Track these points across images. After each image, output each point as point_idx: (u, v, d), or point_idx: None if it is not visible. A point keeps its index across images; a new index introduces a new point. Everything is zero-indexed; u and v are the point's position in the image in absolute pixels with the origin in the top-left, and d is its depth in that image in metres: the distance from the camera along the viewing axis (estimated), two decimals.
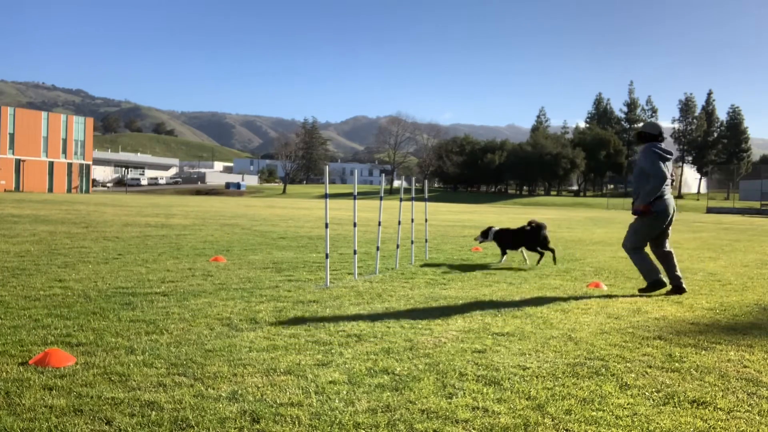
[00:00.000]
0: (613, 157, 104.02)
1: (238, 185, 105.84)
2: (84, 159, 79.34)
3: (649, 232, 7.13)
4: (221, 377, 3.58)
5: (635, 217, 7.19)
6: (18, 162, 71.39)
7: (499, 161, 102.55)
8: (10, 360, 3.78)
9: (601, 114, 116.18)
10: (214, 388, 3.38)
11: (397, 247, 9.19)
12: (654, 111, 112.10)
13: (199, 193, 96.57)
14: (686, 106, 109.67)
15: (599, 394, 3.49)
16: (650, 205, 6.93)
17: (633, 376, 3.86)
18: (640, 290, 7.15)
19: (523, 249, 9.75)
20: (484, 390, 3.49)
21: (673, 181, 7.12)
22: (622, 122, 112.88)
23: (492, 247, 12.68)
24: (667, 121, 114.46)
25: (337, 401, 3.25)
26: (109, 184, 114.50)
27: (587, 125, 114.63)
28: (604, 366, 4.05)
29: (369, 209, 32.49)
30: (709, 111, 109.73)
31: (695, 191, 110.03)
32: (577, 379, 3.77)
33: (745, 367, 4.16)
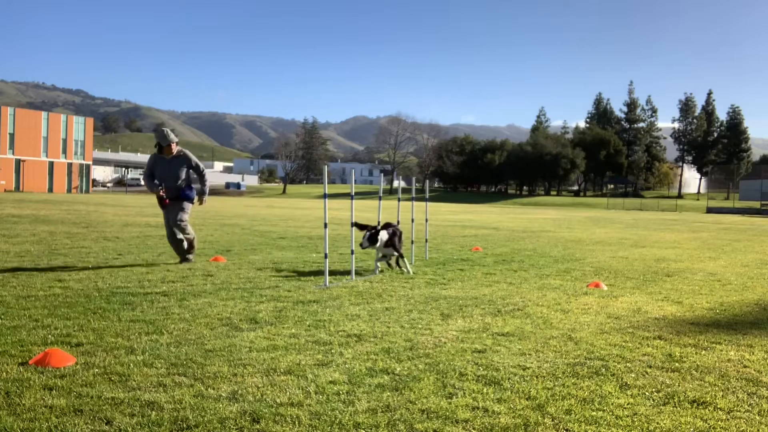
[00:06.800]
0: (613, 157, 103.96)
1: (238, 185, 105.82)
2: (84, 159, 79.30)
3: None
4: (221, 377, 3.57)
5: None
6: (18, 162, 71.37)
7: (499, 161, 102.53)
8: (10, 360, 3.77)
9: (601, 114, 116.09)
10: (214, 388, 3.38)
11: None
12: (654, 111, 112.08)
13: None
14: (686, 106, 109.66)
15: (599, 394, 3.49)
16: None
17: (633, 376, 3.86)
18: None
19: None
20: (484, 390, 3.49)
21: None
22: (622, 122, 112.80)
23: (492, 247, 12.68)
24: (667, 121, 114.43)
25: (337, 401, 3.25)
26: (109, 184, 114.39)
27: (587, 125, 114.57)
28: (604, 366, 4.05)
29: (369, 209, 32.48)
30: (709, 111, 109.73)
31: (695, 191, 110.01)
32: (577, 379, 3.77)
33: (745, 367, 4.16)
